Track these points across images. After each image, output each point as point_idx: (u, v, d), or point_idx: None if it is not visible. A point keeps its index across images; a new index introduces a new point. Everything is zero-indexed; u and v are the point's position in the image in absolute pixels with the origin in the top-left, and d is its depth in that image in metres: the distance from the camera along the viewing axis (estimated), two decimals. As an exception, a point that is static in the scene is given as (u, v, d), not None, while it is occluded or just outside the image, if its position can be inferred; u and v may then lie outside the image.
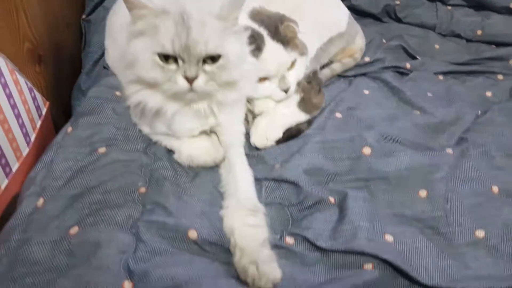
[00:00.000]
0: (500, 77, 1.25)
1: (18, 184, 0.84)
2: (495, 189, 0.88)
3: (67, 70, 1.20)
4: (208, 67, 0.75)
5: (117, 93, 0.98)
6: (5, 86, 0.79)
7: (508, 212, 0.81)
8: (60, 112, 1.11)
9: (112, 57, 1.06)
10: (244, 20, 0.95)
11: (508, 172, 0.92)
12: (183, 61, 0.73)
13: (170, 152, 0.88)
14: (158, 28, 0.73)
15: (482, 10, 1.39)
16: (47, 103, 0.98)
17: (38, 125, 0.92)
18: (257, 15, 0.98)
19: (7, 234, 0.72)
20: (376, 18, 1.43)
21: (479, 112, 1.09)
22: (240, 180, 0.80)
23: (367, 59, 1.24)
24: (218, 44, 0.74)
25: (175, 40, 0.72)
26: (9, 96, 0.81)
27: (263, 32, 0.94)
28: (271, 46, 0.94)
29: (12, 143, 0.82)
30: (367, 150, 0.89)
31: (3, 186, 0.79)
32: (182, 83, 0.74)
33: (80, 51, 1.29)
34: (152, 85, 0.77)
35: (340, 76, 1.19)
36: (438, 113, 1.05)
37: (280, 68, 0.95)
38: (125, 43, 0.79)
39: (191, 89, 0.74)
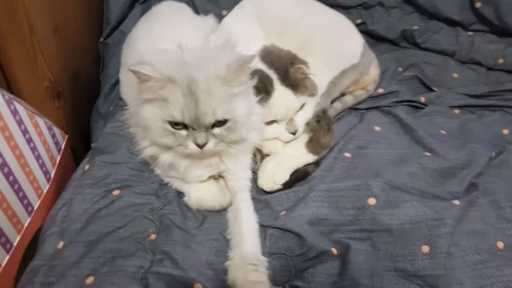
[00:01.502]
0: (519, 110, 1.23)
1: (40, 219, 0.89)
2: (500, 245, 0.88)
3: (86, 94, 1.24)
4: (217, 130, 0.78)
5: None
6: (25, 132, 0.83)
7: (509, 273, 0.82)
8: (79, 137, 1.16)
9: (125, 91, 1.09)
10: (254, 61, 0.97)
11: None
12: (193, 128, 0.76)
13: (180, 194, 0.92)
14: (167, 98, 0.75)
15: (506, 37, 1.34)
16: (66, 136, 1.03)
17: (57, 160, 0.97)
18: (268, 56, 0.98)
19: (32, 275, 0.79)
20: (393, 43, 1.40)
21: (493, 153, 1.08)
22: (245, 232, 0.83)
23: (380, 90, 1.23)
24: (227, 110, 0.77)
25: (185, 111, 0.74)
26: (29, 141, 0.85)
27: (273, 75, 0.95)
28: (280, 91, 0.95)
29: (33, 183, 0.87)
30: (372, 201, 0.90)
31: (26, 224, 0.84)
32: (193, 148, 0.78)
33: (98, 74, 1.32)
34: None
35: (351, 108, 1.20)
36: (449, 156, 1.04)
37: (288, 112, 0.96)
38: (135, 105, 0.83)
39: (202, 152, 0.78)
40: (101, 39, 1.36)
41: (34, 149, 0.87)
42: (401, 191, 0.94)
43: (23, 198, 0.83)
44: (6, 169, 0.76)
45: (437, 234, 0.87)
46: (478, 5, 1.32)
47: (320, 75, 1.09)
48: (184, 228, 0.85)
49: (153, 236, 0.83)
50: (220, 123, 0.78)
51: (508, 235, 0.90)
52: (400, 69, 1.31)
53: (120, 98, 1.21)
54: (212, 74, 0.76)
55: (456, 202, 0.94)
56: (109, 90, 1.28)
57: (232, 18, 1.16)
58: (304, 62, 1.00)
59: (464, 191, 0.99)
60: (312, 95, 1.00)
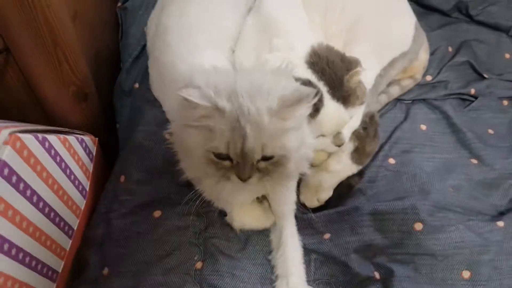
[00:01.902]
0: None
1: (80, 235, 0.88)
2: (537, 265, 0.89)
3: (109, 72, 1.14)
4: (263, 163, 0.71)
5: (166, 135, 0.95)
6: (60, 162, 0.78)
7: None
8: (106, 128, 1.09)
9: (157, 88, 0.99)
10: (301, 69, 0.87)
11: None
12: (237, 161, 0.70)
13: (222, 211, 0.89)
14: (213, 129, 0.68)
15: None
16: (96, 140, 0.97)
17: (91, 170, 0.92)
18: (317, 63, 0.87)
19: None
20: (444, 13, 1.26)
21: (540, 157, 1.05)
22: (290, 260, 0.83)
23: (428, 78, 1.14)
24: (276, 146, 0.69)
25: (231, 145, 0.67)
26: (65, 168, 0.80)
27: (323, 88, 0.86)
28: (330, 106, 0.86)
29: (70, 204, 0.84)
30: (418, 226, 0.89)
31: (68, 248, 0.83)
32: (236, 180, 0.72)
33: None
34: None
35: (396, 98, 1.12)
36: (496, 166, 1.01)
37: (337, 128, 0.89)
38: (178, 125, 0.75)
39: (244, 184, 0.72)
40: (119, 4, 1.22)
41: (69, 174, 0.82)
42: (447, 211, 0.92)
43: (61, 223, 0.80)
44: (41, 204, 0.72)
45: (479, 260, 0.87)
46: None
47: (368, 67, 0.99)
48: (228, 253, 0.85)
49: (199, 265, 0.83)
50: (267, 156, 0.72)
51: (548, 256, 0.90)
52: (450, 49, 1.20)
53: (145, 73, 1.11)
54: (264, 107, 0.67)
55: (501, 224, 0.92)
56: (131, 64, 1.18)
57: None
58: (357, 63, 0.90)
59: (508, 203, 0.98)
60: (362, 103, 0.92)
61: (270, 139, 0.68)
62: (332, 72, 0.87)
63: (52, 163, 0.74)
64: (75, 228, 0.86)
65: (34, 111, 0.92)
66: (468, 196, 0.97)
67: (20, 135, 0.64)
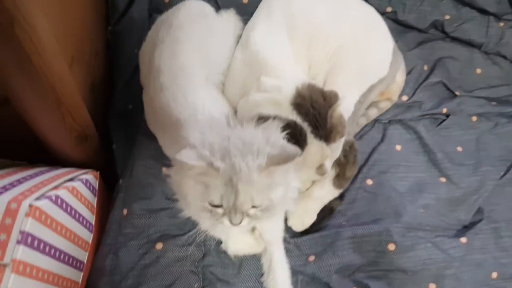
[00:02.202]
0: (534, 117, 1.26)
1: (89, 266, 0.97)
2: (494, 275, 1.03)
3: (106, 94, 1.20)
4: (252, 211, 0.80)
5: (164, 170, 1.03)
6: (71, 211, 0.85)
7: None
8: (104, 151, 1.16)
9: (152, 123, 1.05)
10: (287, 110, 0.94)
11: (510, 254, 1.06)
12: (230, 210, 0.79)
13: (217, 241, 0.99)
14: (208, 184, 0.77)
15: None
16: (98, 174, 1.04)
17: (95, 205, 1.00)
18: (302, 105, 0.94)
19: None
20: (421, 31, 1.32)
21: (502, 173, 1.16)
22: (279, 283, 0.94)
23: (404, 98, 1.22)
24: (264, 199, 0.78)
25: (224, 198, 0.76)
26: (76, 215, 0.87)
27: (307, 128, 0.94)
28: (313, 144, 0.94)
29: (79, 242, 0.91)
30: (391, 246, 1.00)
31: (79, 280, 0.93)
32: (228, 224, 0.81)
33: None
34: None
35: (374, 119, 1.20)
36: (462, 184, 1.12)
37: (320, 162, 0.98)
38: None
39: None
40: (109, 28, 1.25)
41: (79, 218, 0.90)
42: (417, 231, 1.04)
43: (73, 262, 0.88)
44: (57, 253, 0.81)
45: (444, 274, 1.00)
46: (517, -1, 1.23)
47: (349, 96, 1.07)
48: (225, 279, 0.95)
49: (199, 293, 0.93)
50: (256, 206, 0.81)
51: (502, 264, 1.04)
52: (425, 67, 1.27)
53: (138, 94, 1.15)
54: (254, 166, 0.76)
55: (463, 240, 1.05)
56: (124, 85, 1.23)
57: (260, 33, 1.07)
58: (336, 97, 0.97)
59: (472, 217, 1.10)
60: (342, 136, 1.00)
61: (259, 193, 0.77)
62: (316, 112, 0.94)
63: (66, 217, 0.82)
64: (85, 262, 0.95)
65: (36, 151, 0.98)
66: (437, 214, 1.08)
67: (38, 204, 0.71)
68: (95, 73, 1.17)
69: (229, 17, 1.16)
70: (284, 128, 0.88)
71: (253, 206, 0.79)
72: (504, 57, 1.32)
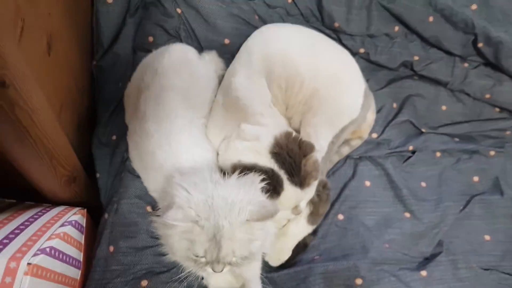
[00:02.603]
0: (492, 153, 1.37)
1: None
2: (451, 303, 1.14)
3: (90, 125, 1.25)
4: (234, 259, 0.88)
5: (148, 208, 1.09)
6: (63, 257, 0.90)
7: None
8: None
9: (137, 165, 1.10)
10: (265, 158, 1.02)
11: (465, 284, 1.17)
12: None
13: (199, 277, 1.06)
14: (193, 240, 0.84)
15: (498, 72, 1.39)
16: (85, 211, 1.09)
17: (82, 242, 1.06)
18: (279, 153, 1.01)
19: None
20: (391, 69, 1.41)
21: (461, 207, 1.27)
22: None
23: (374, 135, 1.31)
24: (244, 250, 0.86)
25: (207, 252, 0.84)
26: (67, 260, 0.92)
27: (283, 176, 1.01)
28: (289, 190, 1.02)
29: (71, 282, 0.97)
30: (359, 281, 1.10)
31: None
32: (211, 272, 0.89)
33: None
34: None
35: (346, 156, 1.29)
36: (425, 220, 1.22)
37: (295, 204, 1.06)
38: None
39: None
40: (94, 63, 1.28)
41: (69, 262, 0.95)
42: (382, 265, 1.13)
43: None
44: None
45: (406, 307, 1.11)
46: (480, 45, 1.33)
47: (322, 137, 1.16)
48: (207, 315, 1.03)
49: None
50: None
51: (459, 293, 1.16)
52: (395, 105, 1.36)
53: (121, 126, 1.21)
54: (236, 222, 0.84)
55: (424, 273, 1.15)
56: (108, 117, 1.28)
57: (241, 80, 1.13)
58: (312, 148, 1.05)
59: (433, 249, 1.21)
60: (316, 179, 1.08)
61: (240, 246, 0.85)
62: (292, 160, 1.02)
63: (60, 264, 0.88)
64: (74, 299, 1.01)
65: (25, 189, 1.03)
66: (401, 248, 1.19)
67: (35, 261, 0.77)
68: (80, 108, 1.22)
69: (211, 59, 1.22)
70: (263, 175, 0.97)
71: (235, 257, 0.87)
72: (468, 94, 1.42)
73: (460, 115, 1.41)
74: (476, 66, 1.41)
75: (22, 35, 0.71)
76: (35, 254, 0.79)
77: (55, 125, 0.85)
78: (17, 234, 0.84)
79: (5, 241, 0.81)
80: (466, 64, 1.41)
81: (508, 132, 1.42)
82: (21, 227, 0.88)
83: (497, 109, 1.43)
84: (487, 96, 1.41)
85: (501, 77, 1.40)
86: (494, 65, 1.39)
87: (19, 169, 0.89)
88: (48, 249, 0.83)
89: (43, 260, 0.80)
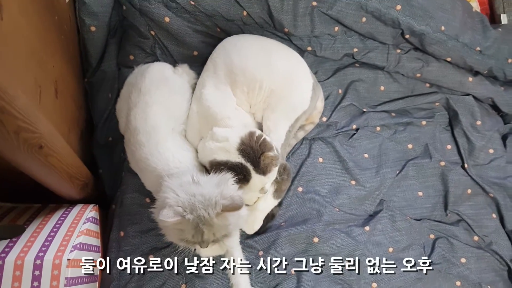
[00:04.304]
0: (423, 122, 1.67)
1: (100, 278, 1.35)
2: (390, 249, 1.48)
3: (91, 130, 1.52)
4: (215, 239, 1.19)
5: (147, 200, 1.39)
6: (89, 247, 1.20)
7: (399, 274, 1.43)
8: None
9: (134, 167, 1.38)
10: (234, 155, 1.30)
11: (402, 233, 1.50)
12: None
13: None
14: (183, 229, 1.13)
15: (426, 54, 1.66)
16: (97, 207, 1.38)
17: (99, 231, 1.36)
18: (245, 150, 1.29)
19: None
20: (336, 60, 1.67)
21: (397, 171, 1.59)
22: (238, 274, 1.35)
23: (324, 119, 1.59)
24: (223, 231, 1.16)
25: (194, 237, 1.13)
26: (91, 248, 1.23)
27: (250, 167, 1.30)
28: (255, 178, 1.30)
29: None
30: (316, 239, 1.42)
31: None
32: (199, 248, 1.20)
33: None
34: None
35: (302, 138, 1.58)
36: (367, 185, 1.54)
37: (261, 186, 1.36)
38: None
39: None
40: (86, 79, 1.52)
41: (92, 249, 1.25)
42: (334, 225, 1.46)
43: (91, 279, 1.26)
44: (84, 280, 1.18)
45: (353, 254, 1.43)
46: (407, 36, 1.59)
47: (280, 128, 1.44)
48: (202, 277, 1.35)
49: (183, 287, 1.33)
50: None
51: (396, 241, 1.49)
52: (340, 91, 1.63)
53: (116, 129, 1.47)
54: (213, 214, 1.13)
55: (367, 228, 1.48)
56: (103, 123, 1.54)
57: (209, 90, 1.38)
58: (270, 147, 1.33)
59: (375, 208, 1.54)
60: (276, 166, 1.38)
61: (218, 230, 1.15)
62: (254, 155, 1.30)
63: (88, 253, 1.18)
64: (97, 275, 1.32)
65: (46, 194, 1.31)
66: (348, 209, 1.51)
67: (72, 256, 1.06)
68: (80, 122, 1.47)
69: (184, 71, 1.47)
70: (234, 168, 1.26)
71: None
72: (402, 75, 1.69)
73: (396, 92, 1.69)
74: (407, 51, 1.67)
75: (41, 98, 0.95)
76: (70, 251, 1.09)
77: (70, 152, 1.12)
78: (53, 237, 1.14)
79: (46, 242, 1.10)
80: (398, 50, 1.67)
81: (437, 104, 1.71)
82: (54, 229, 1.17)
83: (428, 85, 1.72)
84: (418, 75, 1.68)
85: (428, 59, 1.66)
86: (422, 50, 1.66)
87: (45, 185, 1.16)
88: (78, 245, 1.13)
89: (77, 254, 1.10)
